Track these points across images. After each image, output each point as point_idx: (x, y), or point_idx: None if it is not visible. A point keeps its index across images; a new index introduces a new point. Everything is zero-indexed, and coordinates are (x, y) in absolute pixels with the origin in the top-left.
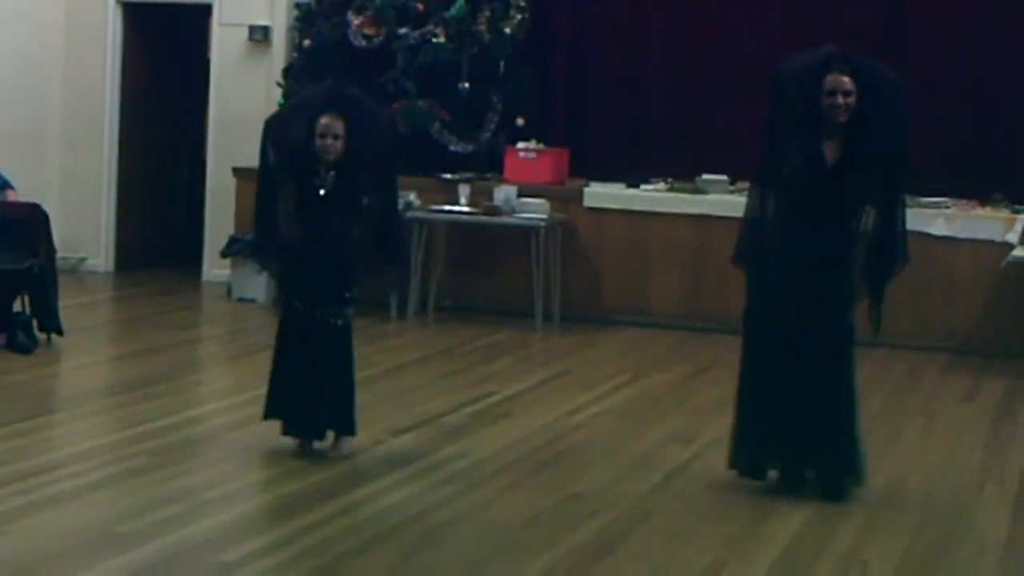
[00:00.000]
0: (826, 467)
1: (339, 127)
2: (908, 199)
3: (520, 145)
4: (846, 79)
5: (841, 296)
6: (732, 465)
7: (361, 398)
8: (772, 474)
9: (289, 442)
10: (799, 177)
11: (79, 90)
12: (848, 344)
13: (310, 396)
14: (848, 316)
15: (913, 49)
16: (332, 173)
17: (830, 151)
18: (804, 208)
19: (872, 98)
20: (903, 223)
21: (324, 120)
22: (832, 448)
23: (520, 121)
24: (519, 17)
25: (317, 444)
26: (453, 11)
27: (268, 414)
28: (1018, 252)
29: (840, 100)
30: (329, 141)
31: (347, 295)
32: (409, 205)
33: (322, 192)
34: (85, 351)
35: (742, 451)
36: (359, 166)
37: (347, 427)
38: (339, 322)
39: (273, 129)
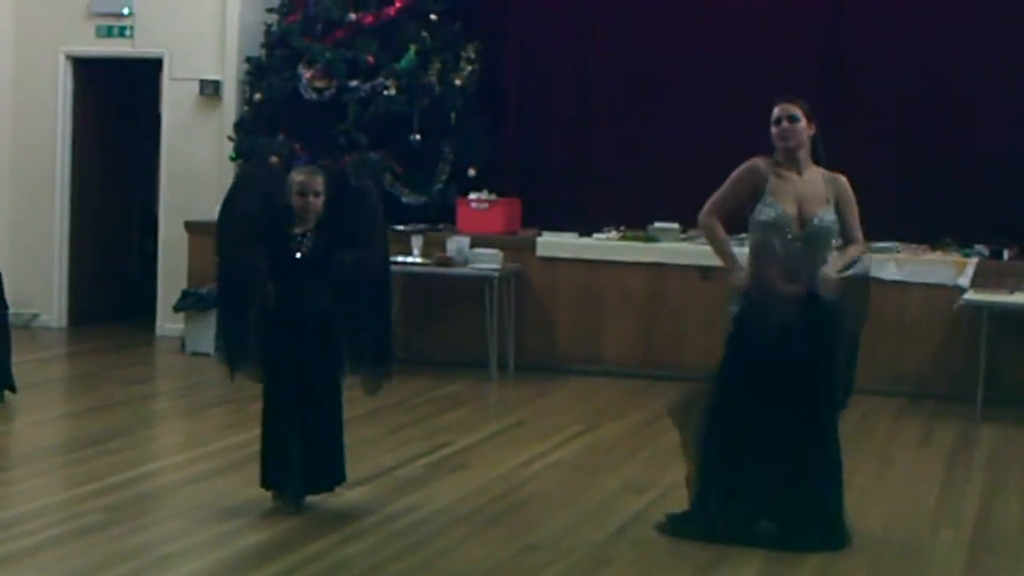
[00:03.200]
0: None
1: (318, 184)
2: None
3: (472, 196)
4: (790, 105)
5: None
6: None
7: None
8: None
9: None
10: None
11: (30, 145)
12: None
13: (313, 454)
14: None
15: (859, 92)
16: (309, 235)
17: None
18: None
19: None
20: None
21: (300, 178)
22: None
23: (471, 172)
24: (469, 68)
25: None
26: (404, 63)
27: (267, 481)
28: (970, 295)
29: (786, 124)
30: (311, 199)
31: (333, 346)
32: None
33: (299, 255)
34: (39, 408)
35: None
36: (342, 223)
37: (342, 477)
38: (332, 375)
39: (229, 204)
